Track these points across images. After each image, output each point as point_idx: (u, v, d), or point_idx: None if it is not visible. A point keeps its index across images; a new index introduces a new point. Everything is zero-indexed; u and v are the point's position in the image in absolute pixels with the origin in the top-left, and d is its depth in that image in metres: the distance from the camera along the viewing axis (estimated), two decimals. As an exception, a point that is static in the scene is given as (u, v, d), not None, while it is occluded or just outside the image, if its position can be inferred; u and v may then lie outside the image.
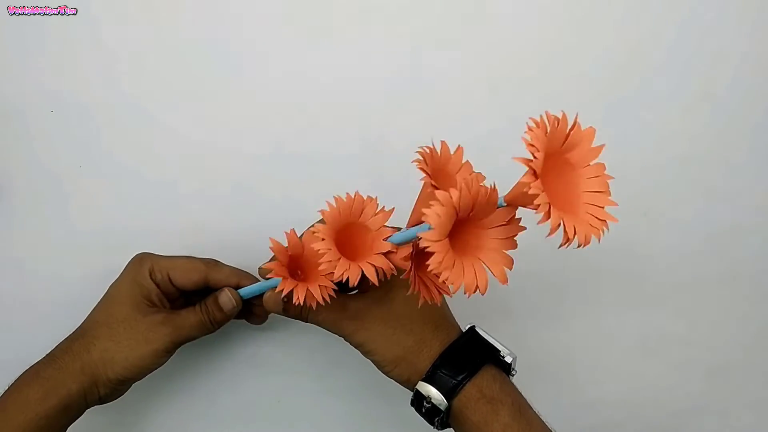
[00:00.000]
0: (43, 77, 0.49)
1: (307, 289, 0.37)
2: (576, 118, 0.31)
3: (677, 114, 0.51)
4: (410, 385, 0.41)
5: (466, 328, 0.42)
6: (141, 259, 0.44)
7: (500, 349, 0.41)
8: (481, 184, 0.32)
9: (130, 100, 0.50)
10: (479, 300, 0.50)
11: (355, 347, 0.42)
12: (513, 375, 0.42)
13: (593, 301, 0.53)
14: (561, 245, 0.29)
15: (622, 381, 0.55)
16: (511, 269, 0.34)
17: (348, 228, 0.39)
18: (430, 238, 0.30)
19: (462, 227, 0.33)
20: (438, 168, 0.37)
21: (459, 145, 0.38)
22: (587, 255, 0.45)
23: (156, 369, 0.43)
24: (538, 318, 0.47)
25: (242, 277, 0.45)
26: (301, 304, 0.37)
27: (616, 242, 0.44)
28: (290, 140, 0.51)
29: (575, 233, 0.29)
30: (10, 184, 0.51)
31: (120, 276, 0.45)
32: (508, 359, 0.40)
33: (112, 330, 0.42)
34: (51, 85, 0.50)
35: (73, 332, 0.44)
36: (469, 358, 0.40)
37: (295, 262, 0.41)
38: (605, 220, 0.30)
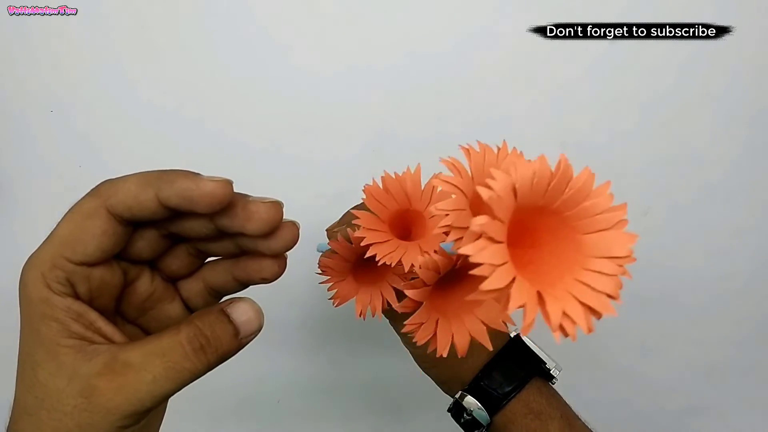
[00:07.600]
0: (43, 77, 0.50)
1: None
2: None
3: (677, 114, 0.51)
4: (446, 388, 0.38)
5: (512, 335, 0.38)
6: (24, 282, 0.25)
7: (546, 360, 0.38)
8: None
9: (131, 100, 0.50)
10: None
11: (399, 335, 0.38)
12: (554, 384, 0.39)
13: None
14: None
15: (622, 381, 0.55)
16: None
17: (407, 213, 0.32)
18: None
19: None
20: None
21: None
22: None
23: None
24: (537, 317, 0.47)
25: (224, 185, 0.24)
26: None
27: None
28: (292, 139, 0.51)
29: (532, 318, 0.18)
30: (10, 184, 0.51)
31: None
32: (555, 372, 0.37)
33: (33, 419, 0.23)
34: (51, 85, 0.50)
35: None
36: (514, 370, 0.36)
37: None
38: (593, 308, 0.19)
